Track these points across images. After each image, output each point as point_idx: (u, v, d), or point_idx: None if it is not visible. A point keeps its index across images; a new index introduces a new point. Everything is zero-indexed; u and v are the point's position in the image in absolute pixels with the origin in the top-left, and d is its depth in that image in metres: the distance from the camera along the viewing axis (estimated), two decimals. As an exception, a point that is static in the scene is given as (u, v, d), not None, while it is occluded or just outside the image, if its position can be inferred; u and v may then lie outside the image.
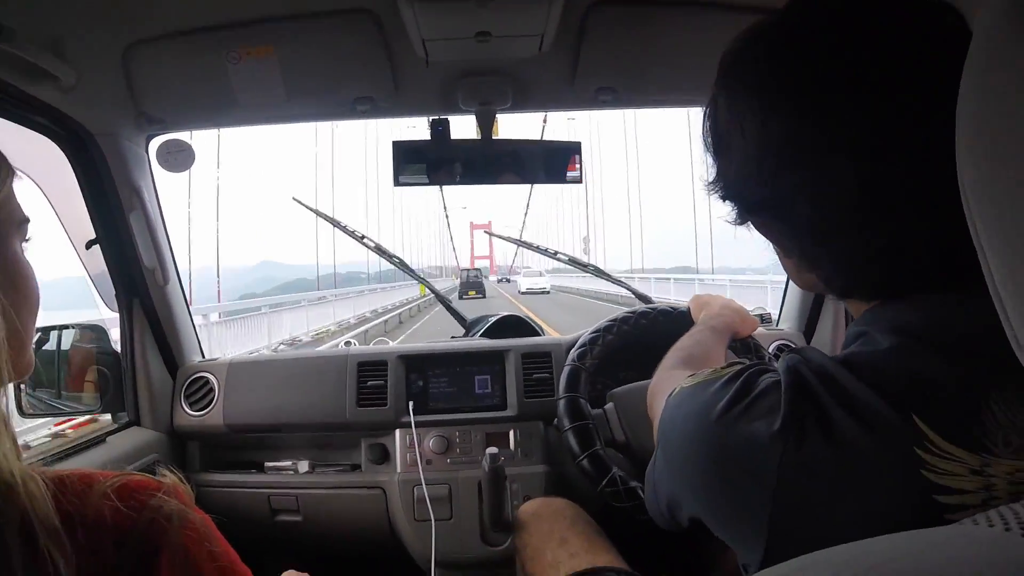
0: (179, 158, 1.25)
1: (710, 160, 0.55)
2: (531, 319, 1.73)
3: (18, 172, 0.48)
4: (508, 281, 52.46)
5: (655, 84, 1.24)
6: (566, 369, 1.13)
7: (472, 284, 28.11)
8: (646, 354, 0.93)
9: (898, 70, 0.44)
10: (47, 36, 0.91)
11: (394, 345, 1.53)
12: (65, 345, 1.23)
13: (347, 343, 1.61)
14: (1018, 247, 0.29)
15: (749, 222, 0.54)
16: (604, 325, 1.17)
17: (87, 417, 1.31)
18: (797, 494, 0.43)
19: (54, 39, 0.92)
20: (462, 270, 37.68)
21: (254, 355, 1.59)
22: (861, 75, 0.44)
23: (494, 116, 1.26)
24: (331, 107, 1.28)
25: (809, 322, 1.49)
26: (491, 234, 14.91)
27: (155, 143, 1.27)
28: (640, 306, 1.22)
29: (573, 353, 1.14)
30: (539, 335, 1.62)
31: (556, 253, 1.82)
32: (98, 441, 1.20)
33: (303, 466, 1.39)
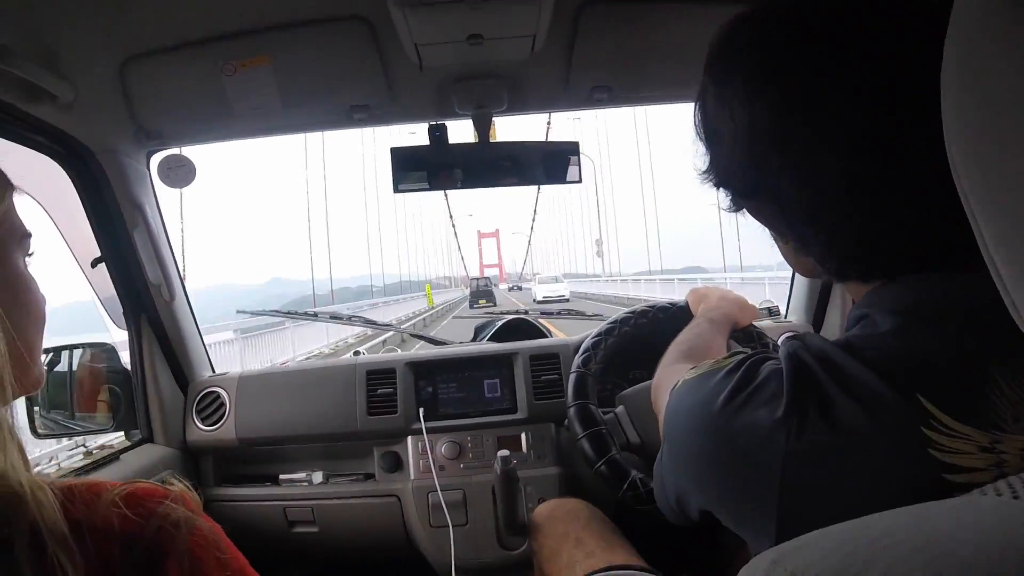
0: (179, 173, 1.26)
1: (702, 149, 0.55)
2: (538, 322, 1.73)
3: (22, 192, 0.49)
4: (519, 289, 52.27)
5: (650, 81, 1.24)
6: (572, 376, 1.12)
7: (482, 293, 28.11)
8: (650, 351, 0.93)
9: (883, 54, 0.43)
10: (43, 54, 0.92)
11: (402, 353, 1.53)
12: (76, 365, 1.25)
13: (355, 352, 1.61)
14: (1012, 215, 0.28)
15: (744, 209, 0.54)
16: (605, 328, 1.17)
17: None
18: (804, 480, 0.43)
19: (50, 56, 0.93)
20: (472, 279, 37.81)
21: (264, 368, 1.60)
22: (847, 60, 0.44)
23: (490, 119, 1.26)
24: (327, 116, 1.28)
25: (817, 314, 1.47)
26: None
27: (156, 159, 1.28)
28: (639, 305, 1.21)
29: (577, 359, 1.14)
30: (546, 337, 1.61)
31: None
32: (112, 459, 1.21)
33: (317, 477, 1.39)
